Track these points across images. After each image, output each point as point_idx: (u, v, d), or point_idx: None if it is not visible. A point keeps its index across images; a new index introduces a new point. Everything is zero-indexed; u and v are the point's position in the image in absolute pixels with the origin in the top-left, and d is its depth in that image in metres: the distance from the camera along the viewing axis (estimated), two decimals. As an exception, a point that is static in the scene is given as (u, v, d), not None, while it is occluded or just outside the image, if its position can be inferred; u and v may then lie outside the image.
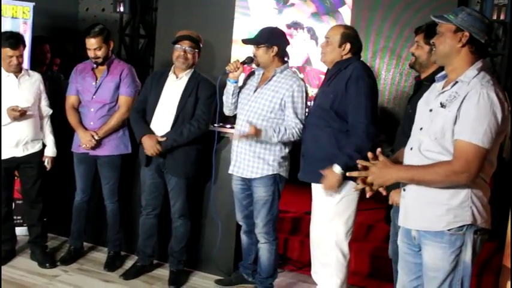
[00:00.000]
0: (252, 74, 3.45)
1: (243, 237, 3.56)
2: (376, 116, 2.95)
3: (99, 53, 3.62)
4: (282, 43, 3.27)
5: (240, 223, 3.52)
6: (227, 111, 3.45)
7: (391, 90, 5.22)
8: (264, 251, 3.36)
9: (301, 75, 5.52)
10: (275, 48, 3.22)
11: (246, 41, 3.38)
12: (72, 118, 3.71)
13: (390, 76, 5.21)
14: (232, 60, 5.60)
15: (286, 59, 3.33)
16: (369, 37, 5.22)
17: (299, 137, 3.17)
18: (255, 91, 3.29)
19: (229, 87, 3.35)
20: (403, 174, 2.16)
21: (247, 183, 3.32)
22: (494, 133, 2.02)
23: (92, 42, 3.60)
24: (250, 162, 3.24)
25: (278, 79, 3.24)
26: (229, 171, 3.37)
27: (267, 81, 3.26)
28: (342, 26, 3.21)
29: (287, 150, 3.26)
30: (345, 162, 2.83)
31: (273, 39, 3.23)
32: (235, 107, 3.39)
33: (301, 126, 3.15)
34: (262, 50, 3.23)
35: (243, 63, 3.31)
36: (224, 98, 3.41)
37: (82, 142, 3.64)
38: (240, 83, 3.45)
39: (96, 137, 3.62)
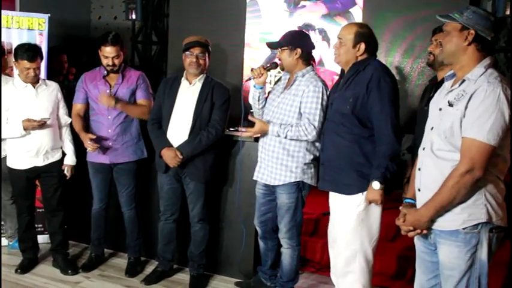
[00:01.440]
0: (280, 79, 3.45)
1: (260, 243, 3.56)
2: (398, 117, 2.89)
3: (117, 61, 3.65)
4: (306, 45, 3.24)
5: (257, 227, 3.53)
6: (256, 116, 3.44)
7: (405, 89, 5.21)
8: (286, 255, 3.36)
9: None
10: (298, 51, 3.19)
11: (269, 45, 3.37)
12: (77, 125, 3.73)
13: (404, 75, 5.20)
14: (245, 64, 5.71)
15: (312, 62, 3.29)
16: (381, 36, 5.20)
17: (307, 137, 3.08)
18: (279, 96, 3.28)
19: (255, 93, 3.36)
20: (428, 212, 2.16)
21: (271, 189, 3.32)
22: (501, 130, 2.02)
23: (110, 50, 3.61)
24: (273, 169, 3.23)
25: (300, 83, 3.19)
26: (254, 177, 3.37)
27: (290, 86, 3.23)
28: (355, 24, 3.04)
29: (311, 157, 3.19)
30: (382, 176, 2.79)
31: (295, 42, 3.21)
32: (264, 113, 3.37)
33: (312, 127, 3.06)
34: (286, 53, 3.21)
35: (267, 68, 3.30)
36: (251, 103, 3.42)
37: (85, 145, 3.65)
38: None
39: (105, 103, 3.58)
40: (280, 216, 3.31)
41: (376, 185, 2.80)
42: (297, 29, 5.54)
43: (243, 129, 3.28)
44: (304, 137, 3.10)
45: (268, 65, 3.34)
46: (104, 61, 3.66)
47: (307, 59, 3.25)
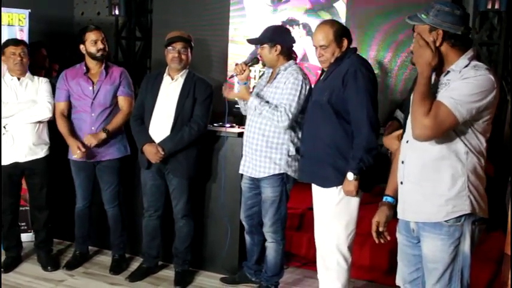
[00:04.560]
0: (264, 73, 3.45)
1: (246, 237, 3.57)
2: (377, 110, 2.87)
3: (106, 45, 3.66)
4: (286, 41, 3.25)
5: (243, 222, 3.53)
6: (243, 111, 3.45)
7: (388, 83, 5.23)
8: (271, 250, 3.37)
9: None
10: (278, 47, 3.20)
11: (250, 41, 3.37)
12: (62, 127, 3.66)
13: (387, 68, 5.22)
14: (229, 59, 5.69)
15: (293, 55, 3.29)
16: (364, 30, 5.23)
17: (279, 123, 3.09)
18: (262, 90, 3.29)
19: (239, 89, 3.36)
20: (421, 78, 2.09)
21: (256, 182, 3.32)
22: (474, 109, 2.03)
23: (97, 34, 3.62)
24: (257, 161, 3.24)
25: (282, 77, 3.20)
26: (240, 171, 3.38)
27: (273, 80, 3.25)
28: (326, 25, 2.92)
29: (295, 149, 3.19)
30: (357, 167, 2.76)
31: (275, 38, 3.21)
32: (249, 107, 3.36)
33: (287, 117, 3.06)
34: (266, 50, 3.22)
35: (249, 64, 3.30)
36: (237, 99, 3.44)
37: (73, 151, 3.61)
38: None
39: (95, 143, 3.60)
40: (265, 210, 3.31)
41: (350, 176, 2.78)
42: (280, 24, 5.56)
43: (227, 84, 3.29)
44: (275, 121, 3.10)
45: (250, 61, 3.34)
46: (93, 48, 3.63)
47: (288, 54, 3.26)
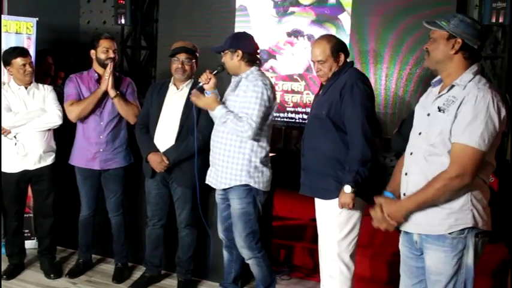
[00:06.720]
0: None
1: (224, 253, 3.48)
2: (372, 123, 2.87)
3: (116, 55, 3.70)
4: (246, 46, 3.21)
5: (221, 236, 3.45)
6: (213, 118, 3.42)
7: (392, 96, 5.24)
8: (253, 266, 3.32)
9: (303, 82, 5.55)
10: (239, 53, 3.17)
11: (213, 49, 3.34)
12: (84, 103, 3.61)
13: (391, 82, 5.23)
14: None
15: (257, 62, 3.26)
16: (369, 43, 5.25)
17: (242, 134, 3.07)
18: (226, 99, 3.27)
19: None
20: (409, 205, 2.20)
21: (226, 195, 3.28)
22: (490, 135, 2.05)
23: (110, 43, 3.66)
24: (219, 172, 3.22)
25: (243, 85, 3.19)
26: (206, 182, 3.36)
27: (235, 88, 3.23)
28: (323, 40, 2.96)
29: (259, 159, 3.17)
30: (353, 180, 2.77)
31: (235, 44, 3.19)
32: None
33: (249, 126, 3.05)
34: (228, 56, 3.21)
35: (214, 72, 3.26)
36: None
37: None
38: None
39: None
40: (234, 225, 3.25)
41: (347, 188, 2.79)
42: (285, 35, 5.61)
43: (193, 92, 3.26)
44: (239, 132, 3.09)
45: (216, 70, 3.29)
46: (103, 55, 3.64)
47: (250, 60, 3.21)
